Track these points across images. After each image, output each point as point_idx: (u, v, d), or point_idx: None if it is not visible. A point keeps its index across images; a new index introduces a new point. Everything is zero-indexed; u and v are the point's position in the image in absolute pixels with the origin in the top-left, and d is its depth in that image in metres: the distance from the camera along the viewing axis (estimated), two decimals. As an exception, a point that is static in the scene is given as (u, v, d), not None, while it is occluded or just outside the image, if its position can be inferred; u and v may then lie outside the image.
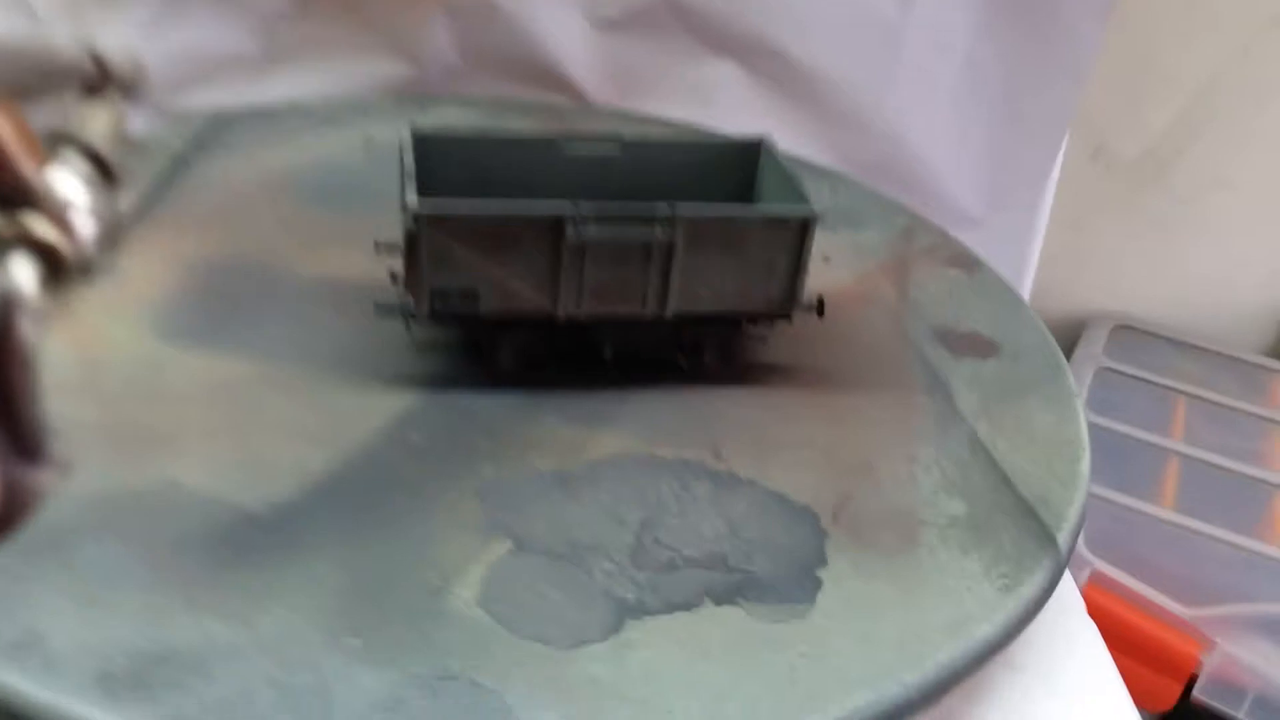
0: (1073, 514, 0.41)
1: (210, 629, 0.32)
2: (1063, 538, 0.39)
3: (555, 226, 0.41)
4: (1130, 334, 0.90)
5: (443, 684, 0.31)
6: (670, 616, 0.35)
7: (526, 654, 0.33)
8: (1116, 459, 0.73)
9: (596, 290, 0.43)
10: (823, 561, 0.37)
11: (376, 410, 0.42)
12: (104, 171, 0.26)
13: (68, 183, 0.25)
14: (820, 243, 0.43)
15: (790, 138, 0.54)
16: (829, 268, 0.53)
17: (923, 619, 0.36)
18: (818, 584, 0.37)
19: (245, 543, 0.35)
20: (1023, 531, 0.39)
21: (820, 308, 0.45)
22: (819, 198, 0.44)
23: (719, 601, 0.35)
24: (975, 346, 0.50)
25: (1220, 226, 0.88)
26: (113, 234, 0.25)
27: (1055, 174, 0.77)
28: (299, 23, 0.68)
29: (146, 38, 0.64)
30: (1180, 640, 0.60)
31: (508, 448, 0.41)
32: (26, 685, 0.29)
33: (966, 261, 0.58)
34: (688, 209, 0.42)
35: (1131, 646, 0.60)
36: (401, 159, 0.43)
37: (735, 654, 0.33)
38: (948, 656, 0.34)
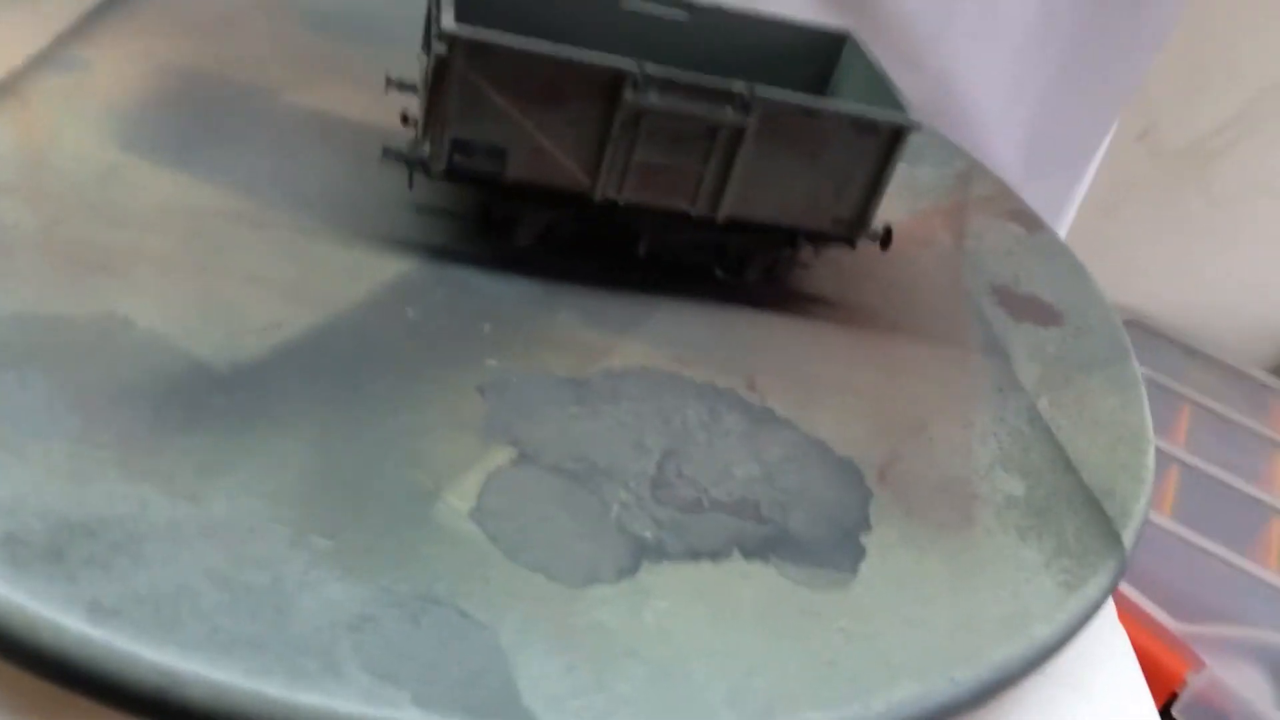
0: (1139, 511, 0.36)
1: (148, 500, 0.26)
2: (1128, 536, 0.35)
3: (613, 84, 0.35)
4: (1140, 332, 0.86)
5: (424, 608, 0.26)
6: (694, 564, 0.29)
7: (525, 585, 0.27)
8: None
9: (643, 173, 0.36)
10: (866, 525, 0.32)
11: (367, 272, 0.36)
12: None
13: None
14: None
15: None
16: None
17: (977, 609, 0.31)
18: (861, 551, 0.32)
19: (199, 403, 0.29)
20: (1086, 524, 0.35)
21: (887, 239, 0.40)
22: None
23: (749, 555, 0.30)
24: (1035, 312, 0.45)
25: (1252, 234, 0.84)
26: None
27: (1104, 149, 0.72)
28: None
29: None
30: (1169, 656, 0.57)
31: (516, 340, 0.35)
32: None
33: (1027, 219, 0.53)
34: (768, 91, 0.36)
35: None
36: (438, -20, 0.36)
37: (767, 620, 0.28)
38: (1003, 656, 0.30)
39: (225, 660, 0.23)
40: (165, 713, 0.23)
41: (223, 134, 0.40)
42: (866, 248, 0.40)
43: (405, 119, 0.39)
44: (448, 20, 0.33)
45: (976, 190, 0.54)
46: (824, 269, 0.43)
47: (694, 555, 0.30)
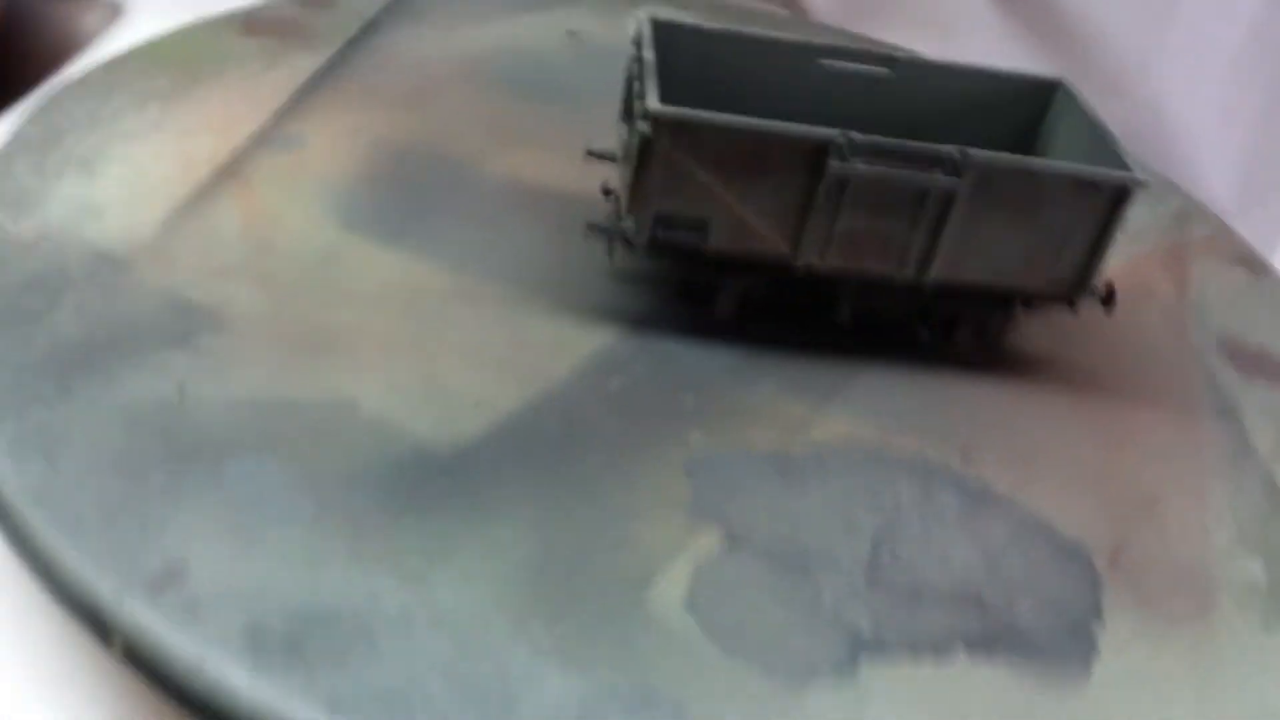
0: (1403, 602, 0.33)
1: (379, 590, 0.27)
2: (1391, 631, 0.32)
3: (817, 155, 0.34)
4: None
5: (644, 705, 0.26)
6: (914, 663, 0.28)
7: (743, 682, 0.27)
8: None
9: (847, 240, 0.36)
10: (1098, 617, 0.31)
11: (571, 344, 0.36)
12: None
13: None
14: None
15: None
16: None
17: (1220, 710, 0.29)
18: (1093, 645, 0.30)
19: (422, 486, 0.30)
20: (1342, 615, 0.32)
21: (1110, 299, 0.37)
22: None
23: (974, 652, 0.29)
24: (1265, 368, 0.42)
25: None
26: None
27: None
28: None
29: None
30: None
31: (719, 413, 0.35)
32: (164, 628, 0.25)
33: (1251, 261, 0.49)
34: (981, 155, 0.34)
35: None
36: (640, 52, 0.36)
37: (997, 726, 0.27)
38: (1255, 769, 0.27)
39: (457, 759, 0.23)
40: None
41: (431, 207, 0.41)
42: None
43: (606, 192, 0.39)
44: (652, 100, 0.33)
45: (1196, 231, 0.50)
46: (1037, 327, 0.41)
47: (914, 649, 0.28)
